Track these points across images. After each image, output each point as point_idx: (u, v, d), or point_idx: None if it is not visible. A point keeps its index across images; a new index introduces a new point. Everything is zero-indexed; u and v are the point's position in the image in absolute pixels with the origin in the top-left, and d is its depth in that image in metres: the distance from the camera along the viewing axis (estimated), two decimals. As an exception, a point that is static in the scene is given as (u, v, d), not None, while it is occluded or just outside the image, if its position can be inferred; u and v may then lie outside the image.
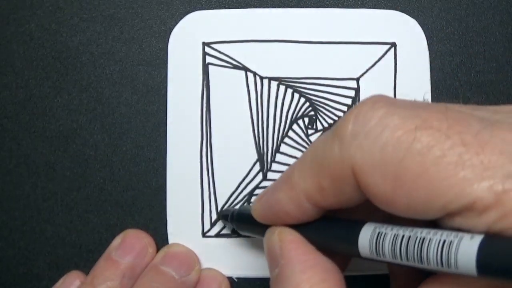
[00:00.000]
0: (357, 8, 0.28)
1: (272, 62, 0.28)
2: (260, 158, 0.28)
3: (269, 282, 0.20)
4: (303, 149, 0.28)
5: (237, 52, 0.28)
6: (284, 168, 0.28)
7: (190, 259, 0.27)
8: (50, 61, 0.29)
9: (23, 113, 0.29)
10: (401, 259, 0.16)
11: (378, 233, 0.17)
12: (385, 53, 0.28)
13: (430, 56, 0.28)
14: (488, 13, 0.28)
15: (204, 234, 0.28)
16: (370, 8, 0.28)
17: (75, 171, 0.29)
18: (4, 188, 0.29)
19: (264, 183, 0.28)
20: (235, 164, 0.28)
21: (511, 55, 0.28)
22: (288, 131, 0.28)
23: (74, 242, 0.28)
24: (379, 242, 0.17)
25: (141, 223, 0.28)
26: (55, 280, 0.28)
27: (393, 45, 0.28)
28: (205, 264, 0.28)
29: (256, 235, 0.23)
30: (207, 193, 0.28)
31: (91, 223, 0.28)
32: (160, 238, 0.28)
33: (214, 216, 0.28)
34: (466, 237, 0.14)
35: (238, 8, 0.29)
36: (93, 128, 0.29)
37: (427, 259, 0.15)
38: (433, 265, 0.15)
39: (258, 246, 0.28)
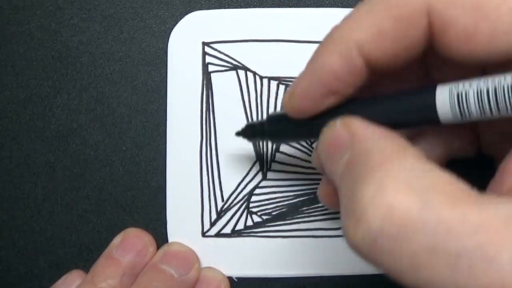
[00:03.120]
0: (357, 7, 0.28)
1: (272, 62, 0.28)
2: (260, 158, 0.28)
3: (338, 178, 0.17)
4: (303, 149, 0.28)
5: (237, 52, 0.28)
6: (284, 168, 0.28)
7: (189, 257, 0.27)
8: (50, 61, 0.29)
9: (23, 113, 0.29)
10: (492, 112, 0.14)
11: (458, 93, 0.15)
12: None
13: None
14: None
15: (203, 234, 0.28)
16: (370, 7, 0.28)
17: (75, 171, 0.29)
18: (4, 188, 0.29)
19: (264, 183, 0.28)
20: (235, 164, 0.28)
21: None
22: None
23: (74, 242, 0.28)
24: (462, 102, 0.15)
25: (141, 222, 0.28)
26: (55, 280, 0.28)
27: (393, 44, 0.28)
28: (204, 264, 0.28)
29: (300, 138, 0.20)
30: (207, 193, 0.28)
31: (91, 223, 0.28)
32: (160, 238, 0.28)
33: (214, 216, 0.28)
34: None
35: (238, 8, 0.29)
36: (93, 128, 0.29)
37: None
38: None
39: (258, 246, 0.28)
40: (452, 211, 0.14)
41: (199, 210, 0.28)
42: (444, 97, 0.15)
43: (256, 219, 0.28)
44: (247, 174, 0.28)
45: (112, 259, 0.26)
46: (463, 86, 0.15)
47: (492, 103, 0.14)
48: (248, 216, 0.28)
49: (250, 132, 0.24)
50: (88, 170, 0.29)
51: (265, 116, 0.28)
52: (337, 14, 0.28)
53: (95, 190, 0.28)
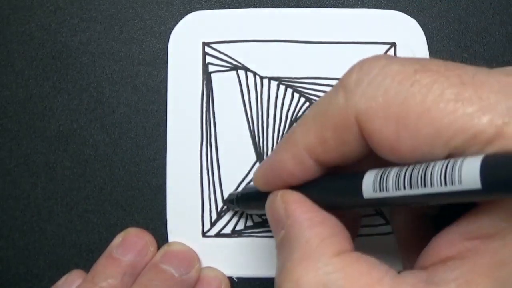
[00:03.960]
0: (357, 8, 0.28)
1: (272, 62, 0.28)
2: (260, 158, 0.28)
3: (276, 247, 0.20)
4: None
5: (237, 52, 0.28)
6: (284, 168, 0.28)
7: (190, 257, 0.27)
8: (50, 61, 0.29)
9: (23, 113, 0.29)
10: (405, 187, 0.16)
11: (382, 172, 0.17)
12: (385, 53, 0.28)
13: (430, 56, 0.28)
14: (488, 13, 0.28)
15: (204, 234, 0.28)
16: (370, 8, 0.28)
17: (75, 171, 0.29)
18: (4, 188, 0.29)
19: (264, 183, 0.28)
20: (235, 164, 0.28)
21: (511, 55, 0.28)
22: (288, 130, 0.28)
23: (74, 242, 0.28)
24: (383, 178, 0.17)
25: (141, 223, 0.28)
26: (55, 280, 0.28)
27: (393, 45, 0.28)
28: (205, 263, 0.28)
29: (262, 209, 0.23)
30: (207, 193, 0.28)
31: (91, 223, 0.28)
32: (160, 238, 0.28)
33: (214, 216, 0.28)
34: (470, 156, 0.14)
35: (238, 8, 0.29)
36: (93, 128, 0.29)
37: (430, 180, 0.15)
38: (436, 185, 0.15)
39: (258, 246, 0.28)
40: None
41: (199, 210, 0.28)
42: (370, 176, 0.17)
43: (256, 219, 0.28)
44: (247, 174, 0.28)
45: (112, 258, 0.26)
46: (390, 169, 0.17)
47: (406, 178, 0.16)
48: (248, 216, 0.28)
49: (229, 201, 0.28)
50: (88, 170, 0.29)
51: (265, 117, 0.28)
52: (337, 14, 0.28)
53: (95, 190, 0.28)
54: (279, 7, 0.28)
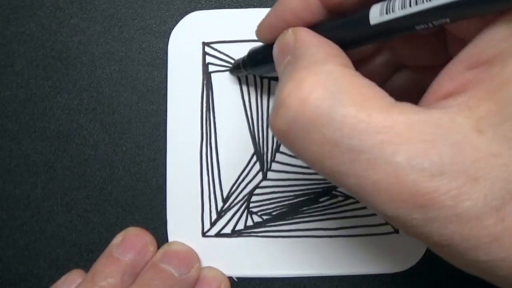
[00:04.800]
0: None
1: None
2: (260, 158, 0.28)
3: (279, 75, 0.19)
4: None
5: (237, 52, 0.28)
6: (284, 168, 0.28)
7: (190, 257, 0.27)
8: (50, 61, 0.29)
9: (23, 113, 0.29)
10: (411, 4, 0.16)
11: (388, 0, 0.17)
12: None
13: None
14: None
15: (204, 234, 0.28)
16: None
17: (75, 171, 0.29)
18: (4, 188, 0.29)
19: (264, 183, 0.28)
20: (235, 164, 0.28)
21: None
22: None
23: (74, 242, 0.28)
24: (389, 2, 0.17)
25: (141, 222, 0.28)
26: (55, 280, 0.28)
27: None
28: (205, 263, 0.28)
29: (271, 66, 0.22)
30: (207, 193, 0.28)
31: (91, 223, 0.28)
32: (160, 238, 0.28)
33: (214, 216, 0.28)
34: None
35: (238, 8, 0.29)
36: (93, 128, 0.29)
37: None
38: None
39: (258, 246, 0.28)
40: (358, 111, 0.15)
41: (199, 210, 0.28)
42: (377, 5, 0.17)
43: (256, 219, 0.28)
44: (247, 174, 0.28)
45: (112, 258, 0.26)
46: None
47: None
48: (248, 216, 0.28)
49: (238, 66, 0.27)
50: (88, 170, 0.29)
51: (265, 117, 0.28)
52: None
53: (95, 190, 0.28)
54: (279, 7, 0.28)
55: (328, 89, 0.16)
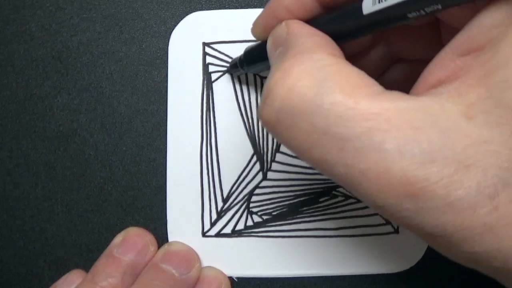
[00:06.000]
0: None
1: (272, 62, 0.28)
2: (260, 158, 0.28)
3: (270, 65, 0.19)
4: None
5: (237, 52, 0.28)
6: (284, 168, 0.28)
7: (190, 257, 0.27)
8: (50, 61, 0.29)
9: (23, 113, 0.29)
10: None
11: None
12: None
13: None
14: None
15: (204, 234, 0.28)
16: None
17: (75, 171, 0.29)
18: (4, 188, 0.29)
19: (264, 183, 0.28)
20: (235, 164, 0.28)
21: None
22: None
23: (74, 242, 0.28)
24: None
25: (141, 223, 0.28)
26: (55, 280, 0.28)
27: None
28: (205, 263, 0.28)
29: (267, 63, 0.22)
30: (207, 193, 0.28)
31: (91, 223, 0.28)
32: (160, 238, 0.28)
33: (214, 216, 0.28)
34: None
35: (238, 8, 0.29)
36: (93, 128, 0.29)
37: None
38: None
39: (258, 246, 0.28)
40: (345, 98, 0.15)
41: (200, 210, 0.28)
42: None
43: (257, 219, 0.28)
44: (247, 174, 0.28)
45: (113, 258, 0.26)
46: None
47: None
48: (249, 216, 0.28)
49: (235, 65, 0.27)
50: (88, 170, 0.29)
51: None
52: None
53: (95, 190, 0.28)
54: (279, 7, 0.28)
55: (315, 77, 0.16)
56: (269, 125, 0.17)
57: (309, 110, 0.15)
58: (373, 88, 0.15)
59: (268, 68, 0.22)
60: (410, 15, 0.16)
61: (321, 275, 0.28)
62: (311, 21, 0.20)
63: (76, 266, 0.28)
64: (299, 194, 0.28)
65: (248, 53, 0.25)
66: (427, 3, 0.16)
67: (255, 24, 0.22)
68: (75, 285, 0.27)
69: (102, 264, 0.26)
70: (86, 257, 0.28)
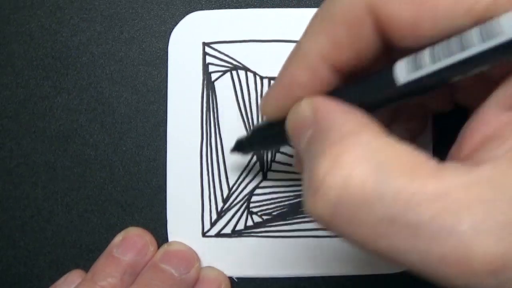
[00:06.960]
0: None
1: (272, 62, 0.28)
2: (260, 158, 0.28)
3: (302, 153, 0.17)
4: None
5: (237, 52, 0.28)
6: (284, 168, 0.28)
7: (189, 257, 0.27)
8: (50, 61, 0.29)
9: (23, 113, 0.29)
10: (443, 57, 0.15)
11: (414, 54, 0.16)
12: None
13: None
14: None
15: (204, 234, 0.28)
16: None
17: (75, 171, 0.29)
18: (4, 188, 0.29)
19: (264, 183, 0.28)
20: (235, 164, 0.28)
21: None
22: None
23: (74, 242, 0.28)
24: (417, 56, 0.15)
25: (141, 223, 0.28)
26: (55, 280, 0.28)
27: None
28: (205, 263, 0.28)
29: (278, 143, 0.21)
30: (207, 193, 0.28)
31: (91, 223, 0.28)
32: (160, 238, 0.28)
33: (214, 216, 0.28)
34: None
35: (238, 8, 0.29)
36: (93, 128, 0.29)
37: (468, 41, 0.14)
38: (477, 43, 0.14)
39: (258, 246, 0.28)
40: (409, 182, 0.14)
41: (200, 210, 0.28)
42: (402, 62, 0.16)
43: (257, 219, 0.28)
44: (248, 174, 0.28)
45: (112, 258, 0.26)
46: (421, 51, 0.16)
47: (443, 49, 0.15)
48: (249, 216, 0.28)
49: (240, 146, 0.25)
50: (88, 170, 0.29)
51: (265, 117, 0.28)
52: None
53: (95, 190, 0.28)
54: (279, 7, 0.28)
55: (371, 162, 0.14)
56: (324, 220, 0.15)
57: (371, 200, 0.14)
58: (430, 164, 0.15)
59: (281, 147, 0.21)
60: (453, 79, 0.15)
61: (321, 275, 0.28)
62: (333, 94, 0.18)
63: (76, 266, 0.28)
64: (299, 194, 0.28)
65: (257, 132, 0.24)
66: (469, 67, 0.15)
67: (265, 103, 0.20)
68: (75, 285, 0.27)
69: (101, 264, 0.26)
70: (86, 257, 0.28)
